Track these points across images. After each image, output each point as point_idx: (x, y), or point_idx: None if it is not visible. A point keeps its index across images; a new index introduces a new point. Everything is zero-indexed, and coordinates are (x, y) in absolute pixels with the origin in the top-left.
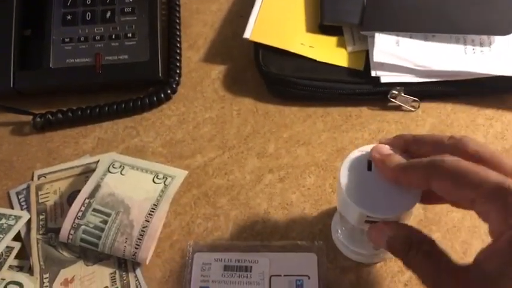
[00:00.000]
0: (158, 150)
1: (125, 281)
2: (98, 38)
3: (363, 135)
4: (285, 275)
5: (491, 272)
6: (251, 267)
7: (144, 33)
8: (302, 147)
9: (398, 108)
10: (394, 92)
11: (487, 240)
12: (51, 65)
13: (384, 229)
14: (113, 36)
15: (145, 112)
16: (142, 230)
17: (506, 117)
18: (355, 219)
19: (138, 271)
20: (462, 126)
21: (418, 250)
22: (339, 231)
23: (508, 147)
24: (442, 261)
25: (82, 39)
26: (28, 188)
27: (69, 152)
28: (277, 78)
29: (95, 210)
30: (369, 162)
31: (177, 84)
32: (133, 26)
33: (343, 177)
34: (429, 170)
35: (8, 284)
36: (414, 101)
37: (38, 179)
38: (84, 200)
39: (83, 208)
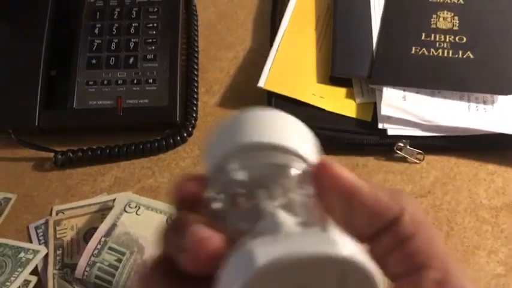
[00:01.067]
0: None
1: None
2: (120, 82)
3: None
4: None
5: None
6: None
7: (164, 79)
8: None
9: (403, 159)
10: (400, 144)
11: None
12: (74, 106)
13: None
14: (135, 81)
15: (162, 153)
16: None
17: (508, 172)
18: None
19: None
20: (465, 180)
21: None
22: None
23: (508, 202)
24: None
25: (105, 82)
26: (47, 223)
27: (87, 189)
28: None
29: (110, 248)
30: None
31: (193, 127)
32: (155, 72)
33: None
34: None
35: None
36: (419, 153)
37: (57, 214)
38: (101, 239)
39: (99, 246)
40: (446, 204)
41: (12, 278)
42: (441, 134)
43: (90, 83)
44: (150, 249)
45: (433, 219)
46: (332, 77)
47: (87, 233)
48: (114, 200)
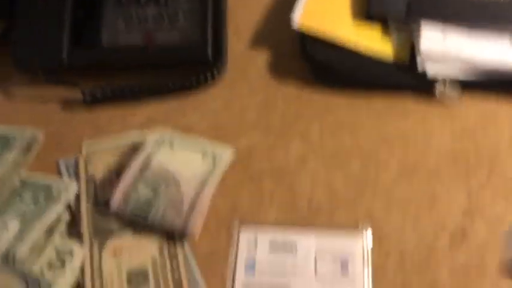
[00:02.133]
0: (204, 131)
1: (173, 254)
2: (149, 18)
3: (407, 125)
4: (329, 255)
5: None
6: (296, 245)
7: (195, 15)
8: (346, 133)
9: (442, 101)
10: (439, 84)
11: None
12: (103, 43)
13: None
14: (165, 18)
15: (193, 93)
16: (192, 205)
17: None
18: None
19: (186, 245)
20: (506, 119)
21: None
22: None
23: None
24: None
25: (134, 19)
26: (77, 160)
27: (117, 128)
28: (322, 65)
29: (145, 183)
30: None
31: (224, 65)
32: (185, 8)
33: None
34: None
35: (59, 250)
36: (458, 94)
37: (87, 151)
38: (135, 173)
39: (134, 180)
40: (488, 143)
41: (46, 212)
42: (483, 75)
43: (119, 20)
44: (186, 184)
45: (475, 159)
46: (368, 16)
47: (119, 170)
48: (146, 138)
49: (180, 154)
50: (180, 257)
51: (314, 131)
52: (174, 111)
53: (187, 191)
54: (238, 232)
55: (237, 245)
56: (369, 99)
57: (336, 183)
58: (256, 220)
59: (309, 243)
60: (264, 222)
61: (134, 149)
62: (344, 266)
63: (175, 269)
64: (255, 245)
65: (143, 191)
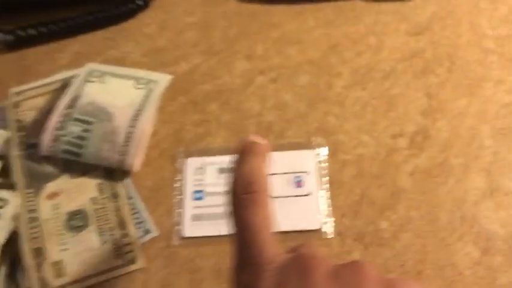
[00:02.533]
0: (139, 60)
1: (113, 190)
2: None
3: (358, 30)
4: (282, 173)
5: None
6: None
7: None
8: (293, 47)
9: None
10: None
11: (496, 124)
12: None
13: None
14: None
15: (123, 22)
16: (127, 137)
17: None
18: None
19: (128, 180)
20: (464, 12)
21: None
22: None
23: None
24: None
25: None
26: (4, 105)
27: (45, 68)
28: None
29: (75, 119)
30: None
31: None
32: None
33: None
34: None
35: None
36: None
37: (14, 96)
38: (63, 111)
39: (62, 119)
40: (446, 39)
41: None
42: None
43: None
44: (119, 116)
45: (432, 56)
46: None
47: (49, 112)
48: (75, 75)
49: (111, 86)
50: (122, 194)
51: (259, 48)
52: (104, 44)
53: (122, 122)
54: (184, 160)
55: (183, 173)
56: (316, 8)
57: (285, 100)
58: (203, 147)
59: None
60: (212, 147)
61: (64, 88)
62: (298, 183)
63: (117, 208)
64: (202, 173)
65: (73, 128)
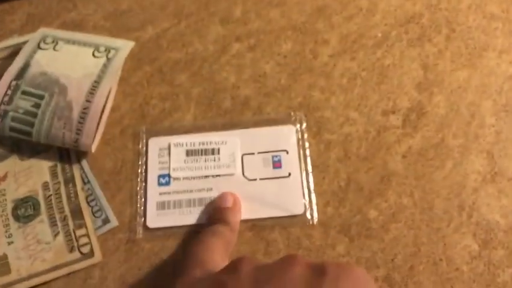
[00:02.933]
0: (100, 24)
1: (68, 174)
2: None
3: None
4: (259, 153)
5: None
6: (219, 149)
7: None
8: (275, 9)
9: None
10: None
11: (498, 100)
12: None
13: None
14: None
15: None
16: (83, 112)
17: None
18: None
19: (84, 162)
20: None
21: None
22: None
23: None
24: None
25: None
26: None
27: None
28: None
29: (24, 93)
30: None
31: None
32: None
33: None
34: None
35: None
36: None
37: None
38: (11, 83)
39: (9, 92)
40: (445, 2)
41: None
42: None
43: None
44: (74, 88)
45: (430, 22)
46: None
47: None
48: (27, 41)
49: (66, 54)
50: (77, 179)
51: (236, 10)
52: (61, 6)
53: (77, 96)
54: (146, 141)
55: (146, 155)
56: None
57: (265, 70)
58: (170, 123)
59: (233, 144)
60: (180, 124)
61: (14, 56)
62: (276, 164)
63: (71, 194)
64: (167, 154)
65: (22, 103)
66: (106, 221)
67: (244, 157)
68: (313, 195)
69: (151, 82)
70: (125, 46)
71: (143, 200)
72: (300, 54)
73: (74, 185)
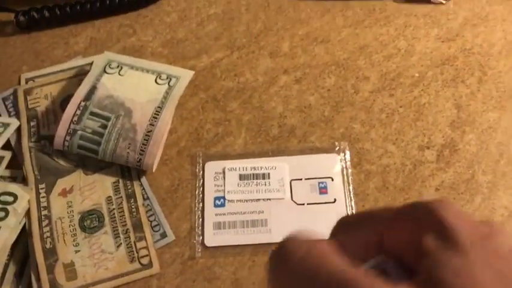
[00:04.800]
0: (158, 51)
1: (129, 190)
2: None
3: (388, 31)
4: (306, 179)
5: None
6: (269, 174)
7: None
8: (320, 45)
9: (427, 0)
10: None
11: None
12: None
13: None
14: None
15: (142, 8)
16: (146, 135)
17: None
18: None
19: (144, 179)
20: (498, 20)
21: None
22: None
23: None
24: None
25: None
26: (15, 92)
27: (59, 53)
28: None
29: (92, 113)
30: None
31: None
32: None
33: None
34: None
35: (0, 194)
36: None
37: (26, 82)
38: (80, 103)
39: (78, 112)
40: (478, 47)
41: None
42: None
43: None
44: (139, 112)
45: (463, 65)
46: None
47: (63, 101)
48: (91, 63)
49: (130, 79)
50: (138, 195)
51: (284, 45)
52: (122, 31)
53: (141, 119)
54: (203, 165)
55: (203, 178)
56: (345, 5)
57: (310, 102)
58: (223, 147)
59: (282, 170)
60: (232, 148)
61: (79, 76)
62: (323, 190)
63: (133, 209)
64: (222, 178)
65: (90, 123)
66: (164, 235)
67: (293, 182)
68: None
69: (206, 108)
70: (185, 75)
71: (201, 219)
72: (342, 88)
73: (135, 201)
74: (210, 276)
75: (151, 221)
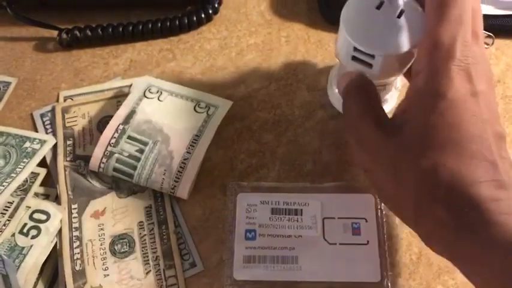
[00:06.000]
0: (197, 77)
1: (161, 217)
2: None
3: None
4: (339, 218)
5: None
6: (301, 210)
7: None
8: None
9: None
10: None
11: None
12: None
13: (348, 76)
14: None
15: (183, 34)
16: (183, 162)
17: None
18: (343, 54)
19: (176, 206)
20: None
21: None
22: (334, 86)
23: None
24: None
25: None
26: (53, 110)
27: (98, 73)
28: (334, 2)
29: (130, 137)
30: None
31: (219, 3)
32: None
33: (347, 8)
34: None
35: (33, 212)
36: (488, 36)
37: (64, 100)
38: (118, 126)
39: (116, 135)
40: None
41: (18, 169)
42: None
43: None
44: (176, 139)
45: (504, 112)
46: None
47: (100, 122)
48: (130, 85)
49: (169, 105)
50: (170, 221)
51: (322, 80)
52: (163, 55)
53: (178, 147)
54: (235, 196)
55: (235, 209)
56: None
57: (346, 139)
58: (256, 179)
59: (315, 207)
60: (265, 180)
61: (117, 97)
62: (356, 231)
63: (164, 235)
64: (254, 210)
65: (127, 147)
66: (193, 264)
67: (325, 220)
68: (388, 265)
69: (241, 138)
70: (224, 105)
71: (230, 247)
72: None
73: (167, 228)
74: None
75: (181, 249)
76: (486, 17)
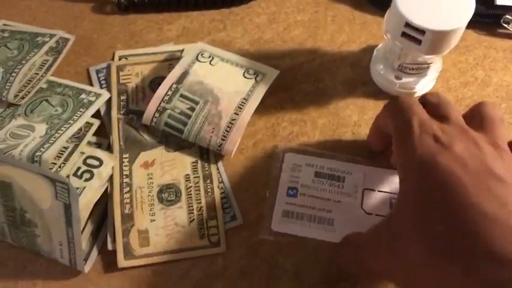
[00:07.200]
0: (245, 48)
1: (207, 171)
2: None
3: (467, 59)
4: (379, 191)
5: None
6: (344, 177)
7: None
8: None
9: (509, 36)
10: (508, 16)
11: None
12: None
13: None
14: None
15: (234, 6)
16: (230, 122)
17: None
18: (393, 29)
19: (220, 164)
20: None
21: None
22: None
23: None
24: None
25: None
26: (109, 67)
27: (152, 37)
28: None
29: (182, 96)
30: None
31: None
32: None
33: None
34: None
35: (87, 157)
36: None
37: (120, 59)
38: (172, 85)
39: (169, 92)
40: None
41: (74, 117)
42: None
43: None
44: (226, 100)
45: None
46: None
47: (153, 82)
48: (182, 50)
49: (220, 69)
50: (214, 176)
51: (365, 58)
52: (214, 25)
53: (227, 108)
54: (283, 155)
55: (281, 167)
56: None
57: None
58: (297, 145)
59: (358, 177)
60: (309, 148)
61: (169, 60)
62: (393, 206)
63: (208, 189)
64: (299, 170)
65: (179, 104)
66: (233, 218)
67: (365, 191)
68: None
69: (284, 107)
70: (271, 73)
71: (271, 204)
72: None
73: (211, 182)
74: (272, 263)
75: (223, 203)
76: None
